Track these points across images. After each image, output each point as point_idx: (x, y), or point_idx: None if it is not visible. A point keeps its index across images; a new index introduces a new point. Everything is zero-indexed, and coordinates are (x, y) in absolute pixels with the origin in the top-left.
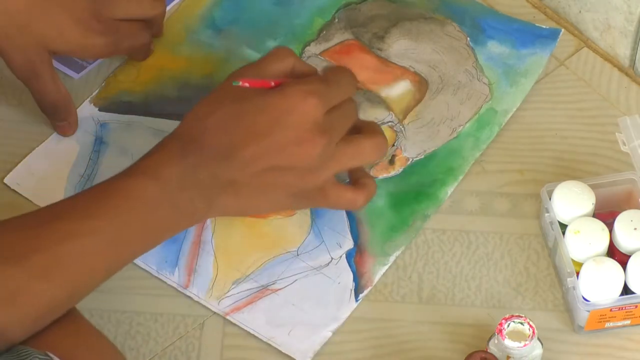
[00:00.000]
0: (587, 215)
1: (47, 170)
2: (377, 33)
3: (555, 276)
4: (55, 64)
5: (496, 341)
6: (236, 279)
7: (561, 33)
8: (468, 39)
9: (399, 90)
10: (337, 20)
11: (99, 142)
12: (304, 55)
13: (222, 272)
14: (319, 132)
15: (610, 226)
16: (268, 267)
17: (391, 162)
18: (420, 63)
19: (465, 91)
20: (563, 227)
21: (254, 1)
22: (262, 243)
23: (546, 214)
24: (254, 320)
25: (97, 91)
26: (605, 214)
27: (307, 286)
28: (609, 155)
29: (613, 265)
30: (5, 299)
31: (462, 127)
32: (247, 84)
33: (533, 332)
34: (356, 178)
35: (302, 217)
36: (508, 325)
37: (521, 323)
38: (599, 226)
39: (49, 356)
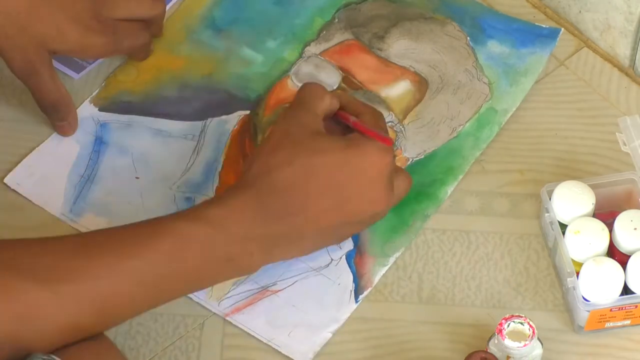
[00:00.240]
0: (587, 215)
1: (47, 170)
2: (377, 33)
3: (555, 276)
4: (55, 64)
5: (496, 341)
6: (236, 279)
7: (561, 33)
8: (468, 38)
9: (399, 90)
10: (337, 20)
11: (99, 142)
12: (304, 55)
13: None
14: (389, 190)
15: (610, 226)
16: (268, 268)
17: None
18: (420, 63)
19: (465, 91)
20: (563, 227)
21: (254, 1)
22: None
23: (546, 214)
24: (254, 321)
25: (97, 91)
26: (605, 214)
27: (307, 287)
28: (609, 155)
29: (613, 265)
30: (33, 317)
31: (462, 126)
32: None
33: (533, 332)
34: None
35: None
36: (508, 325)
37: (521, 323)
38: (599, 226)
39: (52, 358)
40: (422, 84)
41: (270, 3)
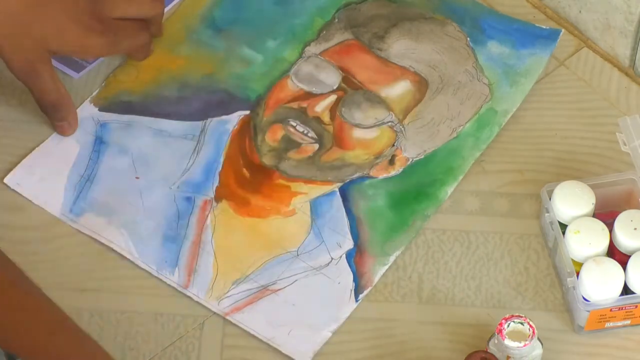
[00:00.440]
0: (587, 215)
1: (47, 170)
2: (377, 33)
3: (555, 276)
4: (55, 64)
5: (496, 341)
6: (236, 279)
7: (561, 33)
8: (468, 39)
9: (399, 90)
10: (337, 20)
11: (99, 142)
12: (304, 55)
13: (222, 272)
14: None
15: (610, 226)
16: (268, 267)
17: (391, 162)
18: (420, 63)
19: (465, 91)
20: (563, 227)
21: (254, 1)
22: (262, 243)
23: (546, 214)
24: (253, 320)
25: (97, 91)
26: (605, 214)
27: (307, 286)
28: (609, 155)
29: (613, 265)
30: None
31: (462, 127)
32: None
33: (533, 332)
34: None
35: (302, 217)
36: (508, 325)
37: (521, 323)
38: (599, 226)
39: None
40: (422, 84)
41: (270, 3)
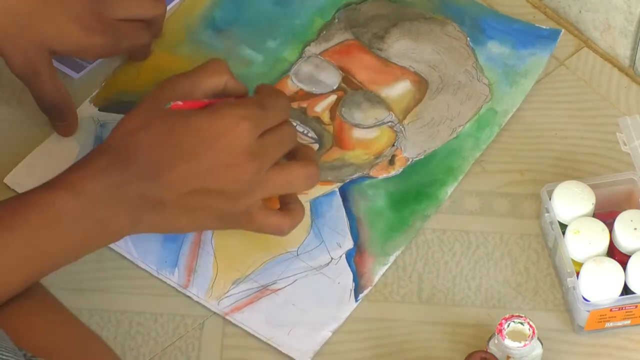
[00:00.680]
0: (587, 215)
1: (47, 170)
2: (377, 33)
3: (555, 276)
4: (55, 63)
5: (496, 341)
6: (236, 279)
7: (561, 33)
8: (468, 39)
9: (399, 90)
10: (337, 20)
11: (99, 142)
12: (304, 55)
13: (222, 272)
14: (249, 158)
15: (610, 226)
16: (268, 267)
17: (391, 162)
18: (420, 63)
19: (465, 91)
20: (563, 227)
21: (254, 1)
22: (262, 243)
23: (546, 214)
24: (253, 320)
25: (97, 91)
26: (605, 214)
27: (307, 286)
28: (609, 155)
29: (613, 265)
30: None
31: (462, 127)
32: (180, 103)
33: (533, 332)
34: (285, 202)
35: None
36: (508, 325)
37: (521, 323)
38: (599, 226)
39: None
40: (422, 84)
41: (270, 3)
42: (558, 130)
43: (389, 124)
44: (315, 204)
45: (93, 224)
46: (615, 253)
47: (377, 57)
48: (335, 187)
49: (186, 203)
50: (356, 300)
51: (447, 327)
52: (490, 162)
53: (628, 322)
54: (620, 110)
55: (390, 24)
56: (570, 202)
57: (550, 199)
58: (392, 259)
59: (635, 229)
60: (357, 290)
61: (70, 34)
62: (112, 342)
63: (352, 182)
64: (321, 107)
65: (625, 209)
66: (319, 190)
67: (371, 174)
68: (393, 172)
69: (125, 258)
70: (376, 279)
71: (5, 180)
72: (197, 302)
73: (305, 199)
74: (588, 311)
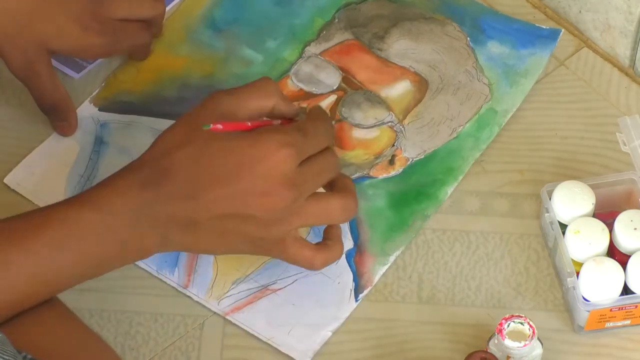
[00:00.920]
0: (587, 215)
1: (47, 170)
2: (377, 33)
3: (555, 276)
4: (55, 64)
5: (496, 341)
6: (236, 278)
7: (561, 33)
8: (468, 39)
9: (399, 90)
10: (337, 20)
11: (99, 142)
12: (304, 55)
13: (222, 272)
14: (287, 186)
15: (610, 226)
16: (268, 267)
17: (391, 162)
18: (420, 63)
19: (465, 91)
20: (563, 227)
21: (254, 1)
22: None
23: (546, 214)
24: (253, 320)
25: (97, 91)
26: (605, 214)
27: (307, 286)
28: (609, 155)
29: (613, 265)
30: None
31: (462, 127)
32: (219, 126)
33: (533, 332)
34: (326, 237)
35: None
36: (508, 325)
37: (521, 323)
38: (599, 226)
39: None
40: (422, 84)
41: (270, 3)
42: (558, 130)
43: (389, 124)
44: None
45: (116, 244)
46: (615, 253)
47: (377, 57)
48: None
49: (219, 226)
50: (356, 300)
51: (447, 327)
52: (490, 162)
53: (628, 322)
54: (620, 110)
55: (390, 24)
56: (570, 202)
57: (550, 199)
58: (392, 259)
59: (635, 229)
60: (357, 290)
61: (70, 34)
62: (112, 342)
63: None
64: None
65: (625, 209)
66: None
67: (371, 174)
68: (393, 172)
69: None
70: (376, 279)
71: (5, 180)
72: (197, 302)
73: None
74: (588, 311)
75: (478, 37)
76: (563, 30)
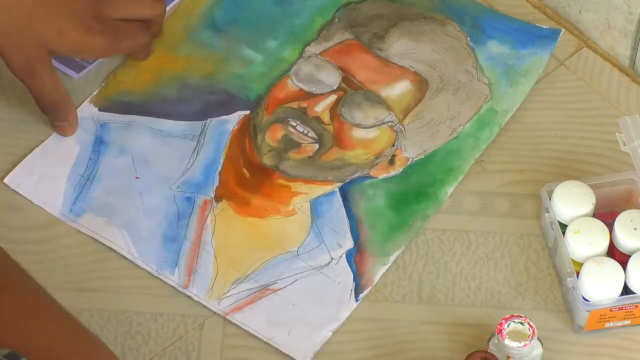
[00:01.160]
0: (587, 215)
1: (47, 170)
2: (377, 33)
3: (555, 276)
4: (55, 64)
5: (496, 341)
6: (236, 278)
7: (561, 33)
8: (468, 39)
9: (399, 90)
10: (337, 20)
11: (99, 142)
12: (304, 55)
13: (222, 272)
14: None
15: (610, 226)
16: (268, 267)
17: (391, 162)
18: (420, 63)
19: (465, 91)
20: (563, 227)
21: (254, 1)
22: (262, 243)
23: (546, 214)
24: (254, 320)
25: (97, 91)
26: (605, 214)
27: (307, 286)
28: (609, 155)
29: (613, 265)
30: None
31: (462, 127)
32: None
33: (533, 332)
34: None
35: (302, 217)
36: (508, 325)
37: (521, 323)
38: (599, 226)
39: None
40: (422, 84)
41: (270, 3)
42: (558, 130)
43: (389, 123)
44: (315, 203)
45: None
46: (615, 253)
47: (377, 57)
48: (336, 187)
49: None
50: (356, 300)
51: (447, 327)
52: (490, 162)
53: (628, 322)
54: (620, 110)
55: (390, 23)
56: (570, 202)
57: (550, 199)
58: (392, 258)
59: (635, 229)
60: (358, 290)
61: (70, 34)
62: (112, 342)
63: (352, 182)
64: (321, 107)
65: (625, 209)
66: (319, 190)
67: (371, 173)
68: (393, 172)
69: (125, 258)
70: (376, 278)
71: (5, 180)
72: (197, 302)
73: (305, 198)
74: (588, 311)
75: (478, 37)
76: (563, 30)
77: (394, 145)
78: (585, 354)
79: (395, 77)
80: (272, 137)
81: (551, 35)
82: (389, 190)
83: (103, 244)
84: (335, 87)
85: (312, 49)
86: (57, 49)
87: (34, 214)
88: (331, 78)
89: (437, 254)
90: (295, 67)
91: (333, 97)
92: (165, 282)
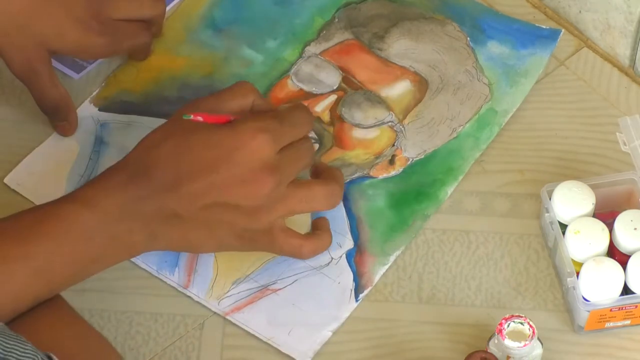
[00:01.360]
0: (587, 215)
1: (47, 170)
2: (377, 33)
3: (555, 276)
4: (55, 64)
5: (496, 341)
6: (236, 278)
7: (561, 33)
8: (468, 39)
9: (399, 90)
10: (337, 20)
11: (99, 142)
12: (304, 55)
13: (222, 272)
14: (267, 171)
15: (610, 226)
16: (268, 267)
17: (391, 162)
18: (420, 63)
19: (465, 91)
20: (563, 227)
21: (254, 1)
22: None
23: (546, 214)
24: (254, 320)
25: (97, 91)
26: (605, 214)
27: (307, 286)
28: (609, 155)
29: (613, 265)
30: None
31: (462, 127)
32: (200, 118)
33: (533, 332)
34: (314, 228)
35: (302, 217)
36: (508, 325)
37: (521, 323)
38: (599, 226)
39: (51, 358)
40: (422, 84)
41: (270, 3)
42: (558, 130)
43: (389, 123)
44: None
45: (107, 240)
46: (615, 253)
47: (377, 57)
48: None
49: (203, 217)
50: (356, 300)
51: (447, 327)
52: (490, 162)
53: (628, 322)
54: (620, 110)
55: (390, 23)
56: (570, 202)
57: (550, 199)
58: (392, 258)
59: (635, 229)
60: (358, 290)
61: (69, 34)
62: (112, 342)
63: (352, 182)
64: (321, 107)
65: (625, 209)
66: None
67: (371, 173)
68: (393, 172)
69: None
70: (376, 278)
71: (5, 180)
72: (197, 302)
73: None
74: (588, 311)
75: (478, 37)
76: (563, 30)
77: (394, 145)
78: (585, 354)
79: (395, 77)
80: None
81: (551, 36)
82: (389, 190)
83: None
84: (335, 87)
85: (312, 49)
86: (57, 49)
87: None
88: (331, 78)
89: (437, 254)
90: (295, 67)
91: (333, 97)
92: (165, 282)
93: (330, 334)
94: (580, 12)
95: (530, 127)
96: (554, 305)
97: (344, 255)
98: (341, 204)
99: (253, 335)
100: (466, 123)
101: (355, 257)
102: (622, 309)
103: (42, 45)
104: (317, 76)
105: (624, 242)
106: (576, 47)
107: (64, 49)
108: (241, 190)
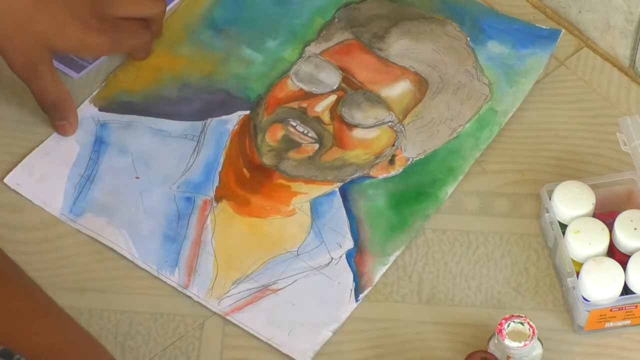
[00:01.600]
0: (587, 215)
1: (47, 170)
2: (377, 33)
3: (555, 276)
4: (56, 63)
5: (496, 341)
6: (236, 278)
7: (561, 33)
8: (468, 39)
9: (399, 90)
10: (337, 20)
11: (99, 142)
12: (304, 55)
13: (222, 272)
14: None
15: (610, 226)
16: (268, 267)
17: (391, 162)
18: (420, 63)
19: (465, 91)
20: (563, 227)
21: (254, 1)
22: (263, 243)
23: (546, 214)
24: (254, 320)
25: (97, 91)
26: (605, 214)
27: (307, 286)
28: (609, 155)
29: (613, 265)
30: None
31: (462, 127)
32: None
33: (533, 332)
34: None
35: (302, 217)
36: (508, 325)
37: (521, 323)
38: (599, 226)
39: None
40: (422, 84)
41: (270, 3)
42: (558, 130)
43: (389, 123)
44: (315, 203)
45: None
46: (615, 253)
47: (377, 56)
48: (336, 187)
49: None
50: (356, 300)
51: (447, 327)
52: (490, 162)
53: (628, 322)
54: (620, 110)
55: (390, 23)
56: (570, 202)
57: (550, 199)
58: (392, 258)
59: (635, 229)
60: (358, 290)
61: (70, 32)
62: (112, 342)
63: (352, 182)
64: (321, 107)
65: (625, 209)
66: (319, 190)
67: (371, 173)
68: (393, 172)
69: (125, 258)
70: (376, 279)
71: (5, 180)
72: (197, 302)
73: (305, 198)
74: (588, 311)
75: (478, 37)
76: (563, 30)
77: (394, 145)
78: (585, 354)
79: (395, 77)
80: (272, 137)
81: (551, 36)
82: (389, 190)
83: (103, 244)
84: (335, 87)
85: (312, 49)
86: (57, 48)
87: (34, 214)
88: (331, 78)
89: (437, 254)
90: (295, 67)
91: (333, 97)
92: (165, 282)
93: (330, 334)
94: (580, 12)
95: (530, 127)
96: (554, 305)
97: (344, 256)
98: (341, 203)
99: (253, 336)
100: (466, 123)
101: (355, 257)
102: (622, 309)
103: (43, 44)
104: (317, 76)
105: (624, 242)
106: (576, 47)
107: (65, 47)
108: None
